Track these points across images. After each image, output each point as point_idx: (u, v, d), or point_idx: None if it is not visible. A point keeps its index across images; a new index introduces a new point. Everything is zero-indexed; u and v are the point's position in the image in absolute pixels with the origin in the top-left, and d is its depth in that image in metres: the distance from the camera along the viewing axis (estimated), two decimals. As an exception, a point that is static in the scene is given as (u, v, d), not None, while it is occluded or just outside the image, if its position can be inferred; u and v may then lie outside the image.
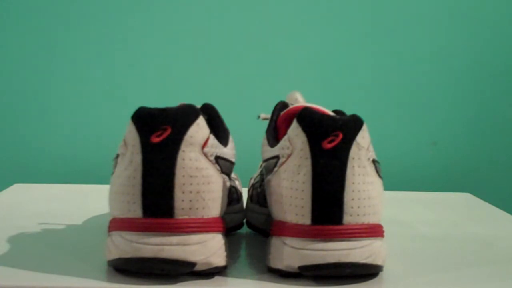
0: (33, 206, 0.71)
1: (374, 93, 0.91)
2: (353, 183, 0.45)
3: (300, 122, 0.46)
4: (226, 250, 0.47)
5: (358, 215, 0.45)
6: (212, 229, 0.46)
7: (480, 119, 0.93)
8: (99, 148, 0.89)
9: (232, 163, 0.50)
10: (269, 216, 0.52)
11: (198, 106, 0.51)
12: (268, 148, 0.50)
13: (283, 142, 0.47)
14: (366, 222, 0.46)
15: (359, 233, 0.45)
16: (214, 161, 0.47)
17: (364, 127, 0.47)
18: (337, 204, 0.45)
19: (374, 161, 0.47)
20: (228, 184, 0.49)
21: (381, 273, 0.48)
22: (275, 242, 0.47)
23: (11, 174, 0.90)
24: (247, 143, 0.73)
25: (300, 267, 0.45)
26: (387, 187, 0.56)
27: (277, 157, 0.48)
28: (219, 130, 0.51)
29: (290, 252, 0.45)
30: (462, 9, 0.91)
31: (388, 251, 0.49)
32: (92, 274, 0.46)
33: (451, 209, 0.77)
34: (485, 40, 0.91)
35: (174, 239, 0.44)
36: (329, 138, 0.45)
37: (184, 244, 0.44)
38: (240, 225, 0.61)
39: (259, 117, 0.61)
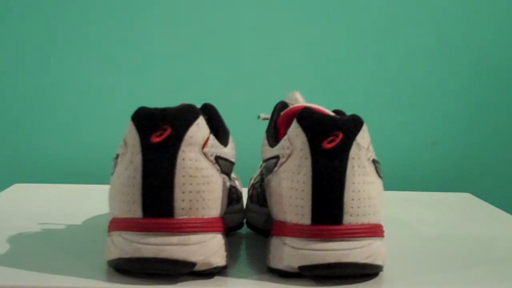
0: (33, 206, 0.71)
1: (374, 93, 0.91)
2: (353, 183, 0.45)
3: (300, 122, 0.46)
4: (226, 250, 0.47)
5: (358, 215, 0.45)
6: (212, 229, 0.46)
7: (480, 119, 0.93)
8: (99, 148, 0.89)
9: (232, 163, 0.50)
10: (269, 216, 0.52)
11: (198, 106, 0.51)
12: (268, 148, 0.50)
13: (283, 142, 0.47)
14: (366, 222, 0.46)
15: (359, 233, 0.45)
16: (214, 161, 0.47)
17: (364, 127, 0.47)
18: (337, 204, 0.45)
19: (374, 161, 0.47)
20: (228, 184, 0.49)
21: (381, 273, 0.48)
22: (275, 242, 0.47)
23: (11, 174, 0.90)
24: (247, 143, 0.73)
25: (300, 267, 0.45)
26: (387, 187, 0.56)
27: (277, 157, 0.48)
28: (219, 130, 0.51)
29: (290, 252, 0.45)
30: (462, 9, 0.91)
31: (388, 251, 0.49)
32: (92, 274, 0.46)
33: (451, 209, 0.77)
34: (485, 40, 0.91)
35: (174, 239, 0.44)
36: (329, 138, 0.45)
37: (184, 244, 0.44)
38: (240, 225, 0.61)
39: (259, 117, 0.61)
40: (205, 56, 0.90)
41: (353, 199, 0.45)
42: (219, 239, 0.46)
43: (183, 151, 0.45)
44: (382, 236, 0.47)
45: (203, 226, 0.45)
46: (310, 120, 0.46)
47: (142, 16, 0.89)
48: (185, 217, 0.45)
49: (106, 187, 0.50)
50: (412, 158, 0.92)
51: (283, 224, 0.47)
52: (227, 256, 0.47)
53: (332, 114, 0.48)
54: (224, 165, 0.48)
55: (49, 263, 0.49)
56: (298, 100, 0.57)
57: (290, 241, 0.46)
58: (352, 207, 0.45)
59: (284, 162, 0.47)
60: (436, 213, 0.74)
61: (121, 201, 0.45)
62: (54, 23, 0.89)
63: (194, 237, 0.45)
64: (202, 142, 0.46)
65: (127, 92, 0.90)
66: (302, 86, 0.69)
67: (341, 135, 0.45)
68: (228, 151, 0.49)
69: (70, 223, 0.63)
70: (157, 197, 0.44)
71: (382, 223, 0.48)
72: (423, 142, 0.92)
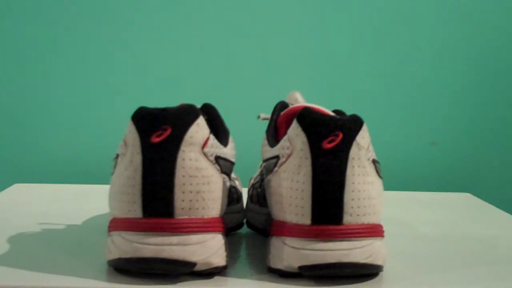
0: (33, 206, 0.71)
1: (374, 93, 0.91)
2: (353, 183, 0.45)
3: (300, 122, 0.46)
4: (226, 250, 0.47)
5: (358, 215, 0.45)
6: (212, 229, 0.46)
7: (480, 119, 0.93)
8: (99, 148, 0.89)
9: (232, 163, 0.50)
10: (269, 216, 0.52)
11: (198, 106, 0.51)
12: (268, 148, 0.50)
13: (283, 142, 0.47)
14: (366, 222, 0.46)
15: (359, 233, 0.45)
16: (214, 161, 0.47)
17: (364, 127, 0.47)
18: (337, 204, 0.45)
19: (374, 161, 0.47)
20: (228, 184, 0.49)
21: (381, 273, 0.48)
22: (275, 242, 0.47)
23: (11, 174, 0.90)
24: (247, 143, 0.73)
25: (300, 267, 0.45)
26: (387, 187, 0.56)
27: (277, 157, 0.48)
28: (219, 130, 0.51)
29: (290, 252, 0.45)
30: (462, 9, 0.91)
31: (388, 251, 0.49)
32: (92, 274, 0.46)
33: (451, 209, 0.77)
34: (485, 40, 0.91)
35: (174, 239, 0.44)
36: (329, 138, 0.45)
37: (184, 244, 0.44)
38: (240, 225, 0.61)
39: (259, 117, 0.61)
40: (205, 56, 0.90)
41: (353, 199, 0.45)
42: (219, 239, 0.46)
43: (183, 151, 0.45)
44: (382, 236, 0.47)
45: (203, 226, 0.45)
46: (310, 120, 0.46)
47: (142, 16, 0.89)
48: (185, 217, 0.45)
49: (106, 187, 0.49)
50: (412, 158, 0.92)
51: (283, 224, 0.47)
52: (227, 256, 0.47)
53: (332, 114, 0.47)
54: (224, 165, 0.48)
55: (49, 263, 0.49)
56: (298, 100, 0.57)
57: (290, 241, 0.46)
58: (352, 207, 0.45)
59: (284, 162, 0.47)
60: (436, 213, 0.74)
61: (121, 201, 0.45)
62: (53, 23, 0.89)
63: (194, 237, 0.45)
64: (202, 142, 0.46)
65: (127, 92, 0.90)
66: (302, 86, 0.69)
67: (341, 135, 0.45)
68: (228, 151, 0.49)
69: (70, 223, 0.63)
70: (157, 197, 0.44)
71: (382, 223, 0.48)
72: (423, 142, 0.92)
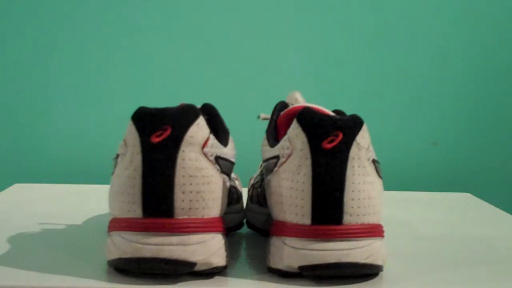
0: (33, 206, 0.71)
1: (374, 93, 0.91)
2: (353, 183, 0.45)
3: (300, 122, 0.46)
4: (226, 250, 0.47)
5: (358, 215, 0.45)
6: (212, 229, 0.46)
7: (480, 119, 0.93)
8: (99, 148, 0.89)
9: (232, 163, 0.50)
10: (269, 216, 0.52)
11: (198, 106, 0.51)
12: (268, 148, 0.50)
13: (283, 142, 0.47)
14: (366, 222, 0.46)
15: (359, 233, 0.45)
16: (214, 161, 0.47)
17: (364, 127, 0.47)
18: (337, 204, 0.45)
19: (374, 161, 0.47)
20: (228, 184, 0.49)
21: (381, 273, 0.48)
22: (275, 242, 0.47)
23: (11, 174, 0.90)
24: (247, 143, 0.73)
25: (300, 267, 0.45)
26: (387, 187, 0.56)
27: (277, 157, 0.48)
28: (219, 130, 0.51)
29: (290, 252, 0.45)
30: (462, 9, 0.91)
31: (388, 251, 0.49)
32: (92, 274, 0.46)
33: (451, 209, 0.77)
34: (485, 40, 0.91)
35: (174, 239, 0.44)
36: (329, 138, 0.45)
37: (184, 244, 0.44)
38: (240, 225, 0.61)
39: (259, 117, 0.61)
40: (205, 56, 0.90)
41: (353, 199, 0.45)
42: (219, 239, 0.46)
43: (183, 151, 0.45)
44: (382, 236, 0.47)
45: (203, 226, 0.45)
46: (310, 120, 0.46)
47: (142, 16, 0.89)
48: (185, 217, 0.45)
49: (106, 187, 0.50)
50: (412, 158, 0.92)
51: (283, 224, 0.47)
52: (227, 256, 0.47)
53: (332, 114, 0.47)
54: (224, 165, 0.48)
55: (49, 263, 0.49)
56: (298, 100, 0.57)
57: (290, 241, 0.46)
58: (352, 207, 0.45)
59: (284, 162, 0.47)
60: (436, 213, 0.74)
61: (121, 201, 0.45)
62: (54, 23, 0.89)
63: (194, 237, 0.45)
64: (202, 142, 0.46)
65: (127, 92, 0.90)
66: (302, 86, 0.69)
67: (341, 135, 0.45)
68: (228, 151, 0.49)
69: (70, 223, 0.63)
70: (157, 197, 0.44)
71: (382, 223, 0.48)
72: (423, 142, 0.92)
